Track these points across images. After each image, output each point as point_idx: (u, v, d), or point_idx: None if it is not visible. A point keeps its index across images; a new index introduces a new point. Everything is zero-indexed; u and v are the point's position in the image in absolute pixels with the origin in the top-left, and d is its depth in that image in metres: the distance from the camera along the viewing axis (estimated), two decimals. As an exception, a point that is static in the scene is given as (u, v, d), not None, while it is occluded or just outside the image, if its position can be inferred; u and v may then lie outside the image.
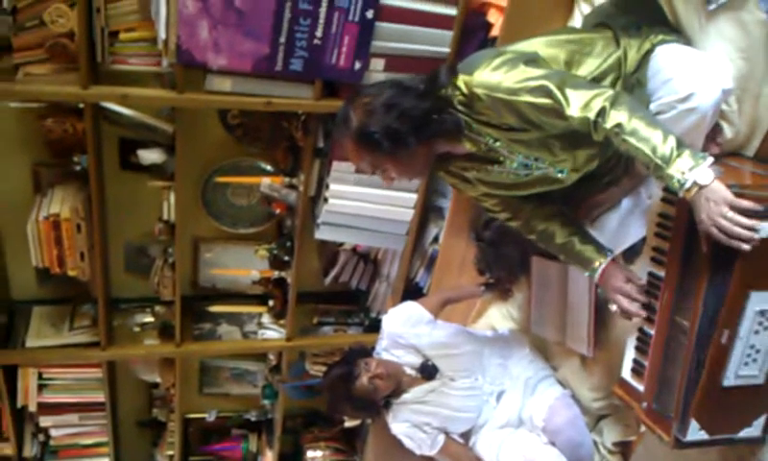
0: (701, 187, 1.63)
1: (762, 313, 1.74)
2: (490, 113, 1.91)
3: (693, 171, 1.63)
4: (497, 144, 1.98)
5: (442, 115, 1.96)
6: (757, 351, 1.77)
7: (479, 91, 1.88)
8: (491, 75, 1.88)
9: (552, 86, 1.79)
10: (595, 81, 1.94)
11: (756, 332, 1.76)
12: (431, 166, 2.12)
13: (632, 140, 1.70)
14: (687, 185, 1.64)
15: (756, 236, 1.62)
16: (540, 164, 1.99)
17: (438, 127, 1.96)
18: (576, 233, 2.12)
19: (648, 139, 1.68)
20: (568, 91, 1.78)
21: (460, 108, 1.95)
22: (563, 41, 2.00)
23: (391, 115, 1.93)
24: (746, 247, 1.62)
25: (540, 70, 1.85)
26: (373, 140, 1.94)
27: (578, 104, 1.77)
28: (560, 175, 2.00)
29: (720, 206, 1.62)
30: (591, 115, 1.74)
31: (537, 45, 1.98)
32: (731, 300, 1.71)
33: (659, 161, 1.66)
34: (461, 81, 1.93)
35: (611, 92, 1.77)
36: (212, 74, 2.81)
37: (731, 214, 1.62)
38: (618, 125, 1.71)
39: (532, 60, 1.90)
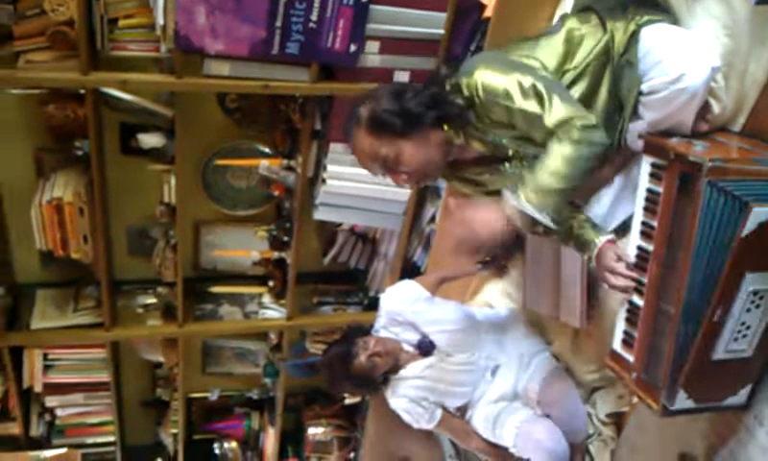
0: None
1: (755, 293, 1.77)
2: (490, 113, 1.96)
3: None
4: (504, 141, 2.02)
5: (448, 99, 2.00)
6: (748, 328, 1.81)
7: (479, 89, 1.93)
8: (491, 75, 1.93)
9: (543, 91, 1.86)
10: (587, 67, 2.00)
11: (748, 310, 1.79)
12: (444, 164, 2.10)
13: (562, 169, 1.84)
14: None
15: None
16: None
17: (447, 108, 1.99)
18: (575, 218, 2.16)
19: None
20: (555, 100, 1.85)
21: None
22: (554, 38, 2.05)
23: (400, 98, 1.99)
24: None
25: (538, 78, 1.90)
26: (386, 121, 1.97)
27: (558, 116, 1.84)
28: None
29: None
30: (558, 130, 1.84)
31: (535, 50, 2.03)
32: (725, 281, 1.73)
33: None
34: (463, 82, 1.97)
35: (591, 120, 1.85)
36: (210, 58, 2.85)
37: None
38: (572, 146, 1.83)
39: (533, 68, 1.96)
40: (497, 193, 2.21)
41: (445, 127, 2.03)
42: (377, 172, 2.08)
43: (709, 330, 1.79)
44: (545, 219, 1.86)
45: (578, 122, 1.83)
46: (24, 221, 3.19)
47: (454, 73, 2.03)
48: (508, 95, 1.89)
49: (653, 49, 1.92)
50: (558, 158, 1.83)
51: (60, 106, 3.12)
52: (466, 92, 1.97)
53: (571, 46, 2.02)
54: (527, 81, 1.88)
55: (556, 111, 1.85)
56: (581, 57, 2.00)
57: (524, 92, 1.87)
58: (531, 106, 1.87)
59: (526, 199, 1.85)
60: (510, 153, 2.06)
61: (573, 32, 2.05)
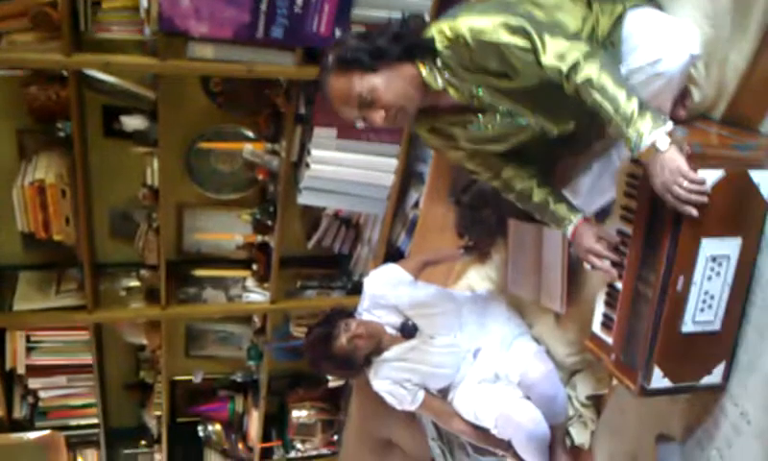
0: (657, 152, 1.70)
1: (714, 259, 1.82)
2: (473, 57, 1.94)
3: (651, 134, 1.70)
4: (480, 92, 2.00)
5: (414, 33, 1.99)
6: (712, 297, 1.86)
7: (464, 34, 1.90)
8: (475, 18, 1.91)
9: (531, 30, 1.84)
10: None
11: (710, 278, 1.84)
12: (419, 100, 2.05)
13: (597, 96, 1.76)
14: (642, 148, 1.71)
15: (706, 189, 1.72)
16: (522, 113, 2.05)
17: (414, 40, 1.98)
18: (551, 193, 2.18)
19: (614, 97, 1.74)
20: (546, 38, 1.83)
21: (444, 52, 1.96)
22: (541, 3, 2.04)
23: (366, 37, 2.00)
24: (695, 213, 1.72)
25: (522, 15, 1.89)
26: (353, 58, 1.95)
27: (553, 52, 1.82)
28: (542, 128, 2.06)
29: (675, 175, 1.70)
30: (564, 67, 1.80)
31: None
32: (683, 247, 1.79)
33: (619, 120, 1.73)
34: (445, 26, 1.95)
35: (586, 47, 1.82)
36: (194, 41, 2.85)
37: (685, 183, 1.70)
38: (588, 80, 1.77)
39: (515, 7, 1.94)
40: (467, 149, 2.21)
41: (420, 66, 1.99)
42: (354, 114, 2.02)
43: (675, 300, 1.84)
44: (657, 118, 1.72)
45: (580, 57, 1.79)
46: (6, 203, 3.17)
47: (427, 21, 2.03)
48: (496, 32, 1.86)
49: (633, 33, 1.95)
50: (607, 96, 1.75)
51: (43, 87, 3.10)
52: (449, 34, 1.93)
53: (557, 12, 1.99)
54: (514, 20, 1.86)
55: (550, 48, 1.82)
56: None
57: (512, 29, 1.85)
58: (520, 41, 1.85)
59: (638, 132, 1.71)
60: (484, 105, 2.04)
61: (560, 3, 2.02)
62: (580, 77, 1.78)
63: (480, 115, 2.08)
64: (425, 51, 1.98)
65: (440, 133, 2.20)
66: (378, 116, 1.99)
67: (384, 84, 1.96)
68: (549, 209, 2.17)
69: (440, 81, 2.01)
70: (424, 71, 1.99)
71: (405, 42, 1.98)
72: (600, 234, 2.06)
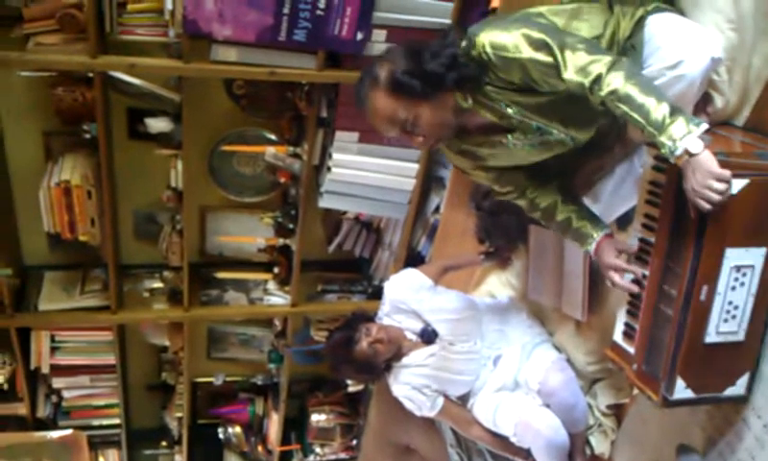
0: (690, 156, 1.67)
1: (738, 269, 1.79)
2: (498, 73, 1.93)
3: (684, 139, 1.66)
4: (511, 110, 1.99)
5: (464, 60, 1.95)
6: (736, 308, 1.83)
7: (488, 50, 1.89)
8: (496, 33, 1.90)
9: (553, 45, 1.82)
10: None
11: (733, 288, 1.81)
12: (455, 126, 2.06)
13: (625, 107, 1.73)
14: (678, 153, 1.68)
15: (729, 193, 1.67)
16: (553, 129, 2.03)
17: (465, 69, 1.94)
18: (574, 211, 2.16)
19: (642, 106, 1.71)
20: (567, 53, 1.81)
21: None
22: (561, 10, 2.03)
23: (417, 59, 1.94)
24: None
25: (543, 29, 1.88)
26: (406, 83, 1.92)
27: (574, 67, 1.80)
28: (573, 139, 2.04)
29: (705, 178, 1.66)
30: (587, 81, 1.78)
31: (541, 10, 2.01)
32: (706, 256, 1.76)
33: (651, 128, 1.70)
34: (470, 44, 1.93)
35: (609, 58, 1.79)
36: (217, 44, 2.87)
37: (716, 185, 1.66)
38: (613, 92, 1.75)
39: (536, 20, 1.94)
40: (494, 169, 2.20)
41: (458, 93, 1.98)
42: (393, 134, 2.03)
43: (698, 311, 1.81)
44: (689, 121, 1.69)
45: (603, 69, 1.77)
46: (32, 203, 3.22)
47: (463, 36, 1.99)
48: (517, 48, 1.85)
49: (655, 35, 1.92)
50: (635, 106, 1.73)
51: (69, 89, 3.14)
52: (473, 53, 1.92)
53: (576, 22, 1.98)
54: (535, 34, 1.85)
55: (571, 63, 1.80)
56: (585, 33, 1.97)
57: (534, 44, 1.84)
58: (542, 56, 1.83)
59: (671, 138, 1.68)
60: (514, 124, 2.02)
61: (582, 6, 2.03)
62: (604, 90, 1.76)
63: (510, 135, 2.06)
64: (475, 82, 1.96)
65: (468, 154, 2.18)
66: (418, 141, 2.01)
67: (430, 114, 1.96)
68: (572, 227, 2.14)
69: (469, 99, 2.00)
70: (458, 94, 1.99)
71: (461, 72, 1.94)
72: (620, 248, 2.03)
